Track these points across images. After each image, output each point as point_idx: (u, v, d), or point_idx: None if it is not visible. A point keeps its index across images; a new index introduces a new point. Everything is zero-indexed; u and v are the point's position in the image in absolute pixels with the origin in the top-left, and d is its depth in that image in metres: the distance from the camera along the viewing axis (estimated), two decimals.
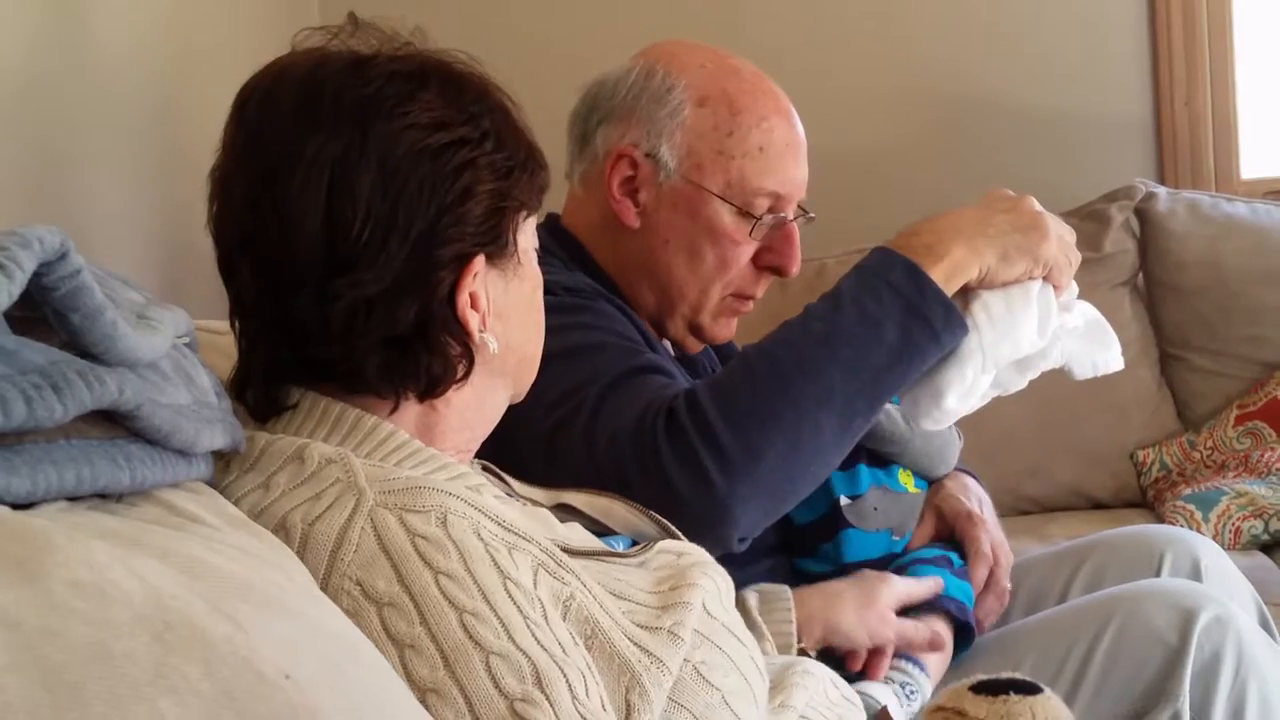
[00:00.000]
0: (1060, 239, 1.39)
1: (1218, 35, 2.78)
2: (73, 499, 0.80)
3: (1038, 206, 1.40)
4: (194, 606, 0.70)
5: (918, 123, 2.84)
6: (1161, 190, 2.62)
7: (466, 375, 1.09)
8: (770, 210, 1.52)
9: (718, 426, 1.26)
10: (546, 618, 0.95)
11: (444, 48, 1.13)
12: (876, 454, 1.58)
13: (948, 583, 1.49)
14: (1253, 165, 2.82)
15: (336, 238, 1.03)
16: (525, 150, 1.12)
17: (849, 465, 1.55)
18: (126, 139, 1.85)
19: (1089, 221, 2.59)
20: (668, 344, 1.60)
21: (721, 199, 1.51)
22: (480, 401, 1.12)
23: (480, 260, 1.07)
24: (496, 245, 1.09)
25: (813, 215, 1.59)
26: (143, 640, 0.65)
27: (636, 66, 1.55)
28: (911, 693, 1.43)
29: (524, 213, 1.12)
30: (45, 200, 1.60)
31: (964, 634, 1.49)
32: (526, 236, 1.13)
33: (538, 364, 1.18)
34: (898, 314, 1.30)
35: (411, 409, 1.08)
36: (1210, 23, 2.77)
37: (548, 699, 0.90)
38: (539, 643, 0.92)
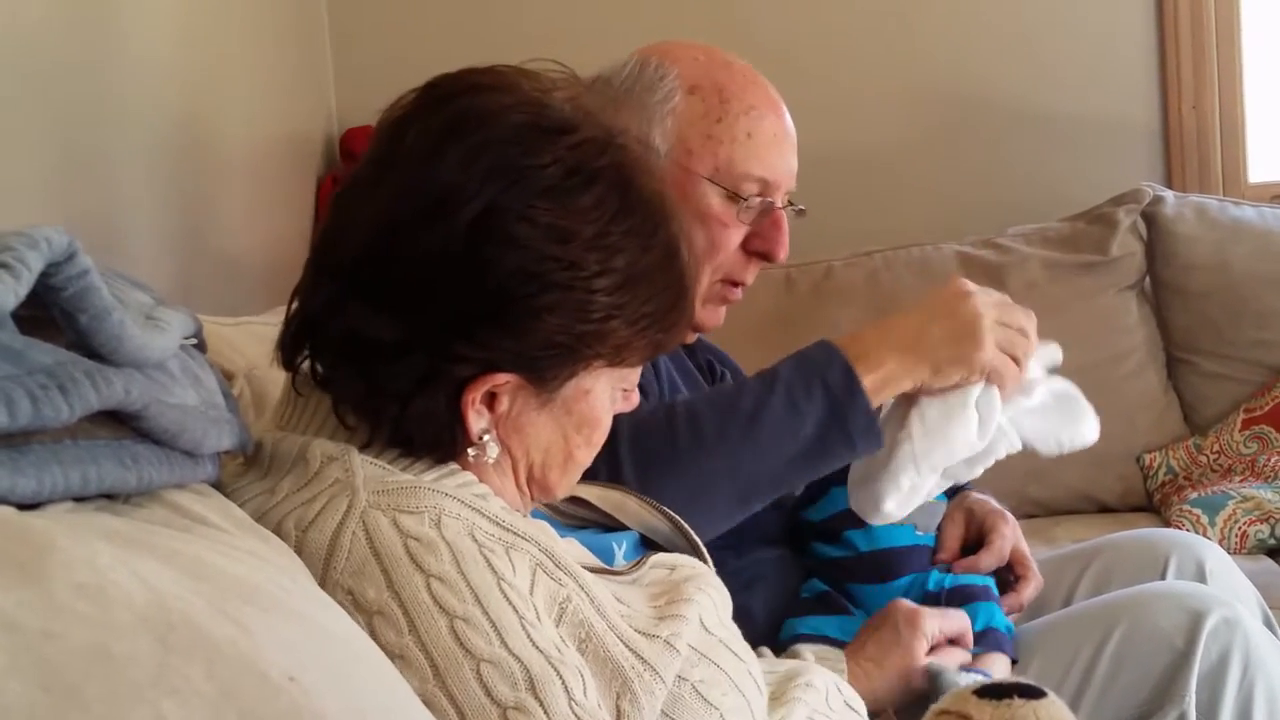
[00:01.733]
0: (1004, 339, 1.37)
1: (1225, 39, 2.78)
2: (79, 500, 0.80)
3: (979, 309, 1.37)
4: (197, 608, 0.70)
5: (925, 126, 2.84)
6: (1169, 194, 2.62)
7: (444, 460, 1.02)
8: (758, 195, 1.55)
9: (625, 462, 1.29)
10: (540, 619, 0.94)
11: (644, 153, 1.04)
12: None
13: (996, 617, 1.49)
14: (1260, 169, 2.82)
15: (378, 262, 0.98)
16: (658, 304, 1.02)
17: None
18: (141, 139, 1.85)
19: (1096, 225, 2.58)
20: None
21: (710, 182, 1.53)
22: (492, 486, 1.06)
23: (510, 379, 1.00)
24: (535, 376, 1.00)
25: (803, 208, 1.60)
26: (145, 642, 0.65)
27: (632, 60, 1.58)
28: None
29: (602, 362, 1.02)
30: (58, 201, 1.61)
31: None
32: (595, 383, 1.04)
33: (559, 493, 1.10)
34: (822, 413, 1.32)
35: None
36: (1218, 26, 2.77)
37: (541, 704, 0.89)
38: (534, 644, 0.91)
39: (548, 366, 1.00)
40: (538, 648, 0.91)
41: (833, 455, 1.35)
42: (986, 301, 1.39)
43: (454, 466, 1.04)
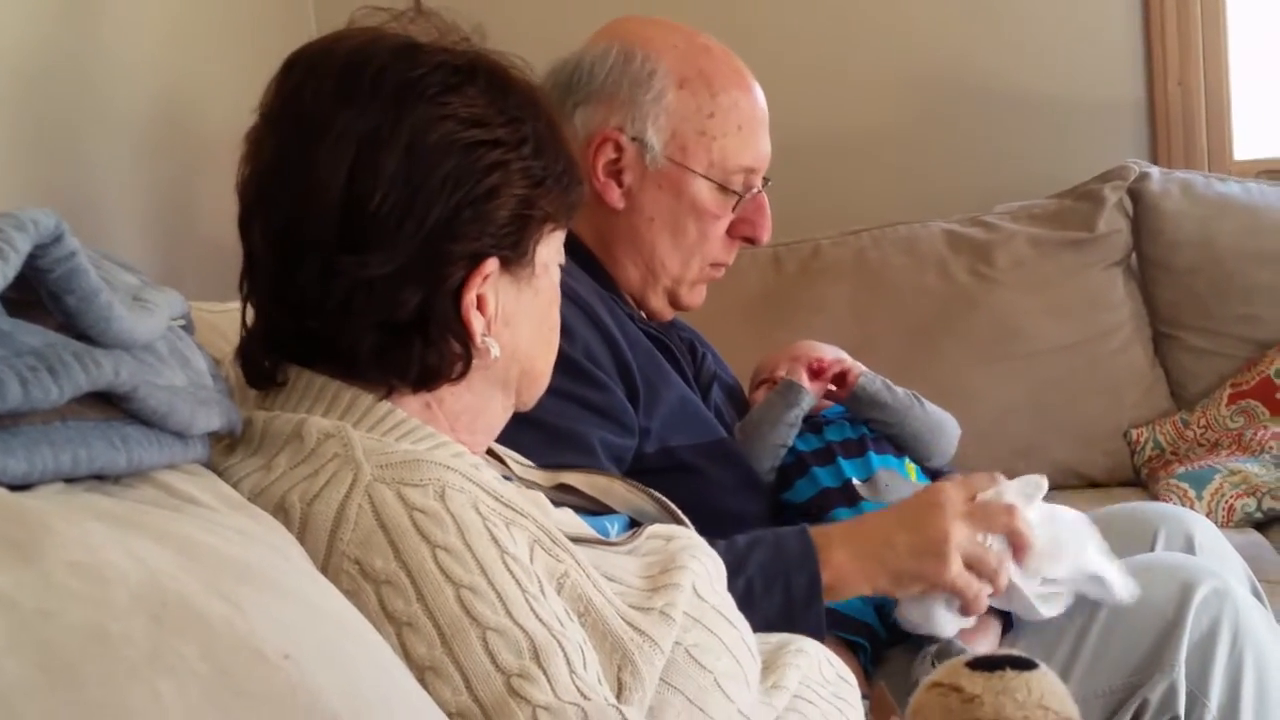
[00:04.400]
0: (973, 556, 1.36)
1: (1211, 15, 2.77)
2: (69, 480, 0.80)
3: (948, 528, 1.36)
4: (191, 588, 0.70)
5: (912, 105, 2.84)
6: (1155, 170, 2.62)
7: (463, 375, 1.08)
8: (746, 184, 1.57)
9: None
10: (544, 591, 0.95)
11: (502, 50, 1.13)
12: (882, 442, 1.59)
13: None
14: (1246, 145, 2.82)
15: (352, 213, 1.03)
16: (564, 163, 1.12)
17: (859, 453, 1.57)
18: (125, 126, 1.84)
19: (1083, 202, 2.59)
20: (642, 312, 1.63)
21: (704, 178, 1.56)
22: (478, 408, 1.12)
23: (494, 263, 1.07)
24: (515, 251, 1.08)
25: (770, 180, 1.63)
26: (140, 621, 0.65)
27: (613, 48, 1.57)
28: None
29: (550, 225, 1.11)
30: (44, 184, 1.60)
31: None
32: (550, 250, 1.12)
33: (545, 380, 1.17)
34: (774, 614, 1.31)
35: (407, 402, 1.07)
36: (1203, 3, 2.77)
37: (545, 673, 0.90)
38: (537, 616, 0.92)
39: (518, 239, 1.08)
40: (541, 620, 0.93)
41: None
42: (958, 512, 1.37)
43: (446, 439, 1.06)
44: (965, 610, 1.37)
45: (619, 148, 1.55)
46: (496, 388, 1.12)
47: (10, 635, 0.59)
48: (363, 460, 0.98)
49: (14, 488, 0.74)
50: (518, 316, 1.10)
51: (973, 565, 1.36)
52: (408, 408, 1.07)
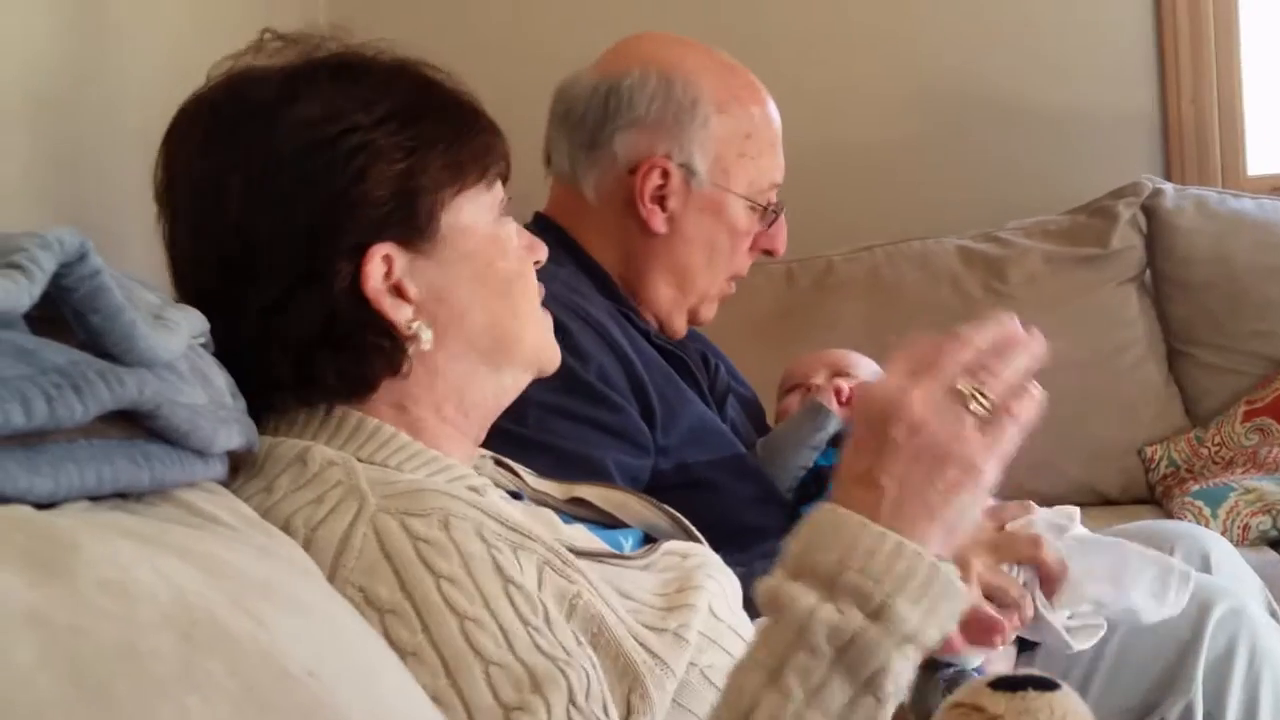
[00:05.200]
0: (990, 589, 1.32)
1: (1224, 31, 2.78)
2: (94, 499, 0.81)
3: (969, 558, 1.31)
4: (218, 605, 0.70)
5: (925, 121, 2.85)
6: (1168, 187, 2.62)
7: (397, 368, 1.06)
8: (771, 200, 1.61)
9: None
10: (549, 621, 0.95)
11: (368, 41, 1.11)
12: None
13: None
14: (1259, 161, 2.82)
15: (220, 254, 1.05)
16: (451, 124, 1.08)
17: None
18: (143, 144, 1.85)
19: (1096, 218, 2.59)
20: (653, 321, 1.64)
21: (743, 198, 1.59)
22: (458, 387, 1.10)
23: (388, 248, 1.04)
24: (409, 228, 1.05)
25: (780, 198, 1.65)
26: (169, 638, 0.65)
27: (650, 75, 1.58)
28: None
29: (453, 189, 1.07)
30: (63, 204, 1.61)
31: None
32: (472, 211, 1.09)
33: (526, 335, 1.13)
34: None
35: (380, 411, 1.07)
36: (1216, 19, 2.77)
37: (545, 702, 0.90)
38: (539, 649, 0.92)
39: (409, 214, 1.05)
40: (542, 652, 0.92)
41: None
42: (981, 541, 1.33)
43: (451, 461, 1.06)
44: (982, 640, 1.35)
45: (665, 174, 1.57)
46: (473, 362, 1.10)
47: (42, 651, 0.60)
48: (367, 491, 0.98)
49: (40, 506, 0.75)
50: (449, 288, 1.07)
51: (992, 596, 1.34)
52: (382, 416, 1.07)
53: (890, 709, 0.85)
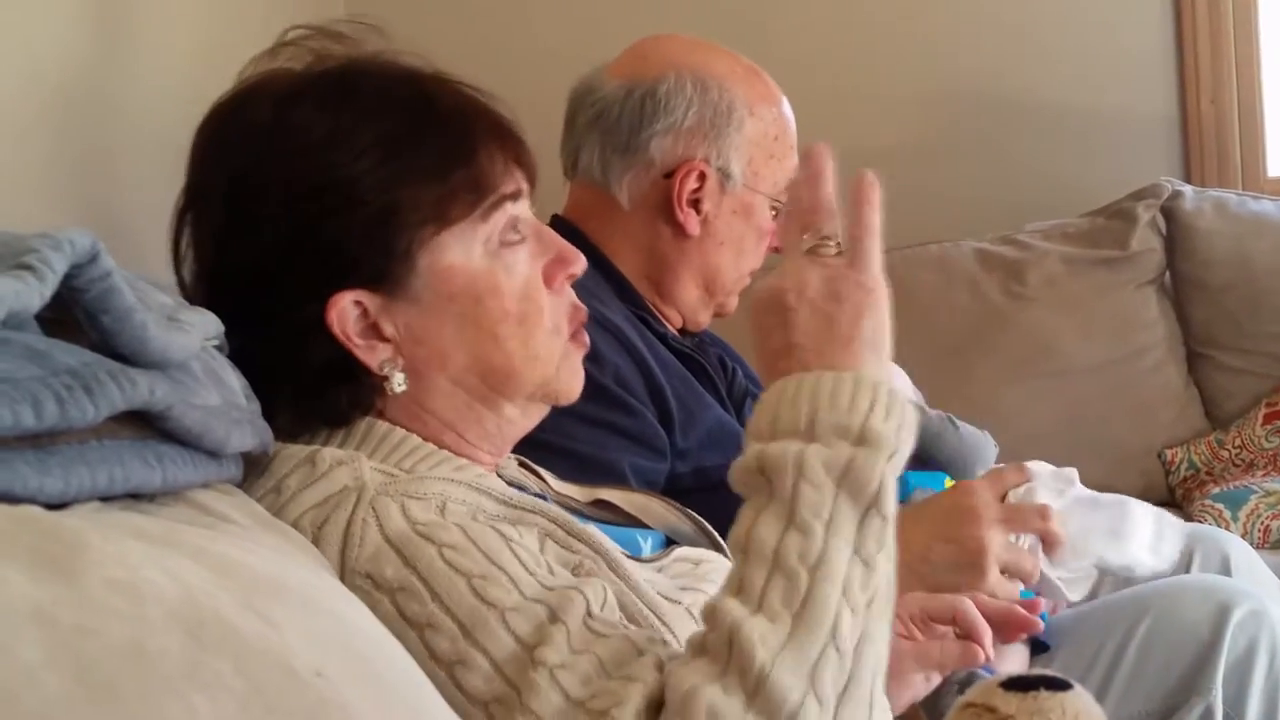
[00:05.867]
0: (1010, 562, 1.36)
1: (1243, 32, 2.76)
2: (105, 499, 0.81)
3: (984, 540, 1.35)
4: (226, 604, 0.70)
5: (942, 123, 2.84)
6: (1188, 189, 2.60)
7: (369, 408, 1.05)
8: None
9: None
10: (553, 572, 0.96)
11: (378, 50, 1.08)
12: (919, 460, 1.59)
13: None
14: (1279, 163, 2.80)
15: (215, 287, 1.07)
16: (444, 153, 1.03)
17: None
18: (159, 146, 1.86)
19: (1115, 220, 2.57)
20: (671, 326, 1.65)
21: (769, 197, 1.62)
22: (453, 422, 1.07)
23: (356, 294, 1.02)
24: (377, 275, 1.02)
25: None
26: (177, 638, 0.65)
27: (685, 80, 1.59)
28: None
29: (433, 229, 1.02)
30: (78, 205, 1.61)
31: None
32: (459, 249, 1.03)
33: (525, 368, 1.07)
34: None
35: (401, 418, 1.07)
36: (1235, 19, 2.75)
37: (564, 627, 0.90)
38: (547, 587, 0.92)
39: (376, 260, 1.01)
40: (554, 590, 0.93)
41: None
42: (993, 518, 1.36)
43: (462, 462, 1.06)
44: (1016, 636, 1.36)
45: (702, 177, 1.59)
46: (464, 399, 1.07)
47: (50, 651, 0.60)
48: (369, 482, 0.99)
49: (51, 506, 0.75)
50: (428, 329, 1.04)
51: (1008, 569, 1.36)
52: (400, 424, 1.07)
53: (893, 528, 0.90)
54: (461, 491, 0.99)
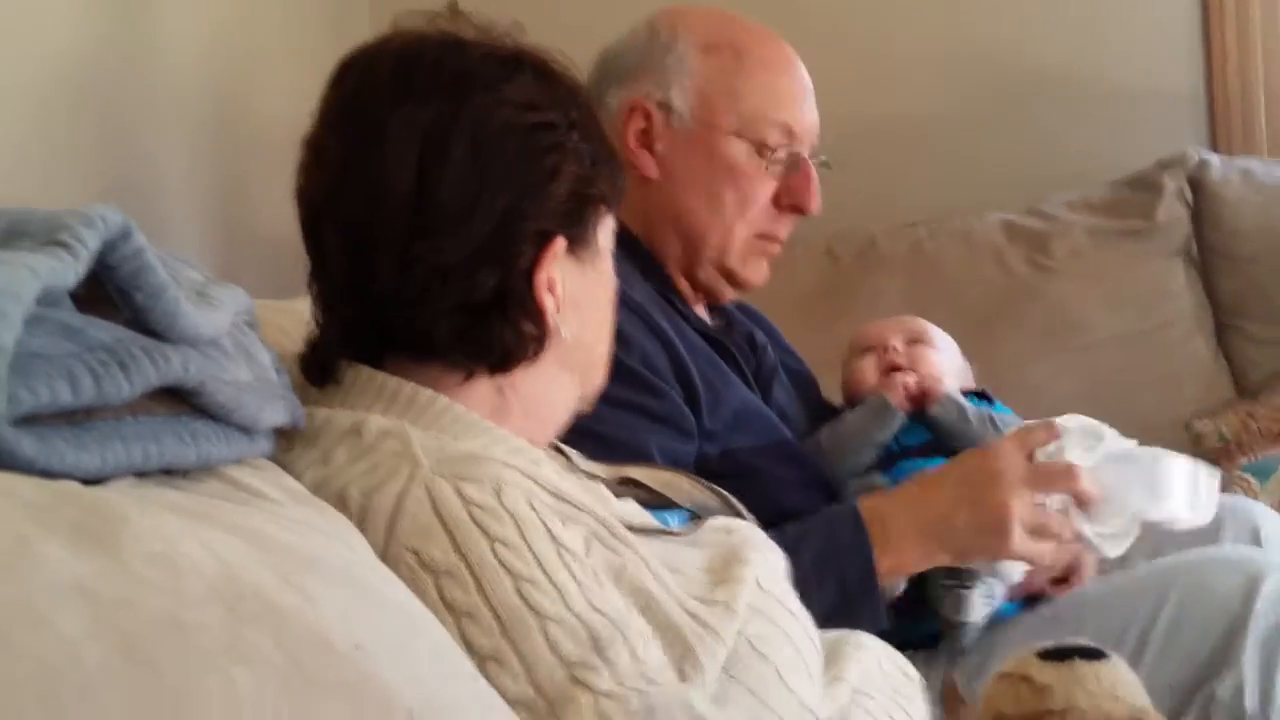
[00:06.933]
0: (1035, 524, 1.35)
1: (1269, 1, 2.73)
2: (140, 475, 0.81)
3: (1009, 501, 1.35)
4: (264, 579, 0.71)
5: (967, 94, 2.82)
6: (1214, 158, 2.58)
7: (537, 355, 1.09)
8: (785, 145, 1.56)
9: None
10: (601, 584, 0.96)
11: (541, 45, 1.15)
12: (941, 450, 1.58)
13: None
14: None
15: (423, 204, 1.04)
16: (608, 148, 1.14)
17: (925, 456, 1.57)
18: (182, 123, 1.86)
19: (1141, 190, 2.56)
20: (703, 313, 1.62)
21: (736, 136, 1.55)
22: (548, 393, 1.12)
23: (561, 242, 1.08)
24: (578, 230, 1.09)
25: (826, 160, 1.60)
26: (216, 611, 0.66)
27: (641, 29, 1.59)
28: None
29: (604, 206, 1.13)
30: (103, 183, 1.62)
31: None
32: (606, 234, 1.14)
33: (603, 370, 1.18)
34: (830, 605, 1.27)
35: (481, 387, 1.08)
36: None
37: (606, 661, 0.91)
38: (595, 608, 0.93)
39: (580, 218, 1.09)
40: (600, 610, 0.94)
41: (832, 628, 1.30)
42: (1019, 479, 1.36)
43: (506, 435, 1.06)
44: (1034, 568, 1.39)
45: (647, 115, 1.56)
46: (565, 372, 1.13)
47: (91, 624, 0.60)
48: (420, 456, 0.99)
49: (87, 482, 0.75)
50: (583, 300, 1.11)
51: (1035, 531, 1.35)
52: (480, 394, 1.08)
53: None
54: (515, 476, 0.99)
